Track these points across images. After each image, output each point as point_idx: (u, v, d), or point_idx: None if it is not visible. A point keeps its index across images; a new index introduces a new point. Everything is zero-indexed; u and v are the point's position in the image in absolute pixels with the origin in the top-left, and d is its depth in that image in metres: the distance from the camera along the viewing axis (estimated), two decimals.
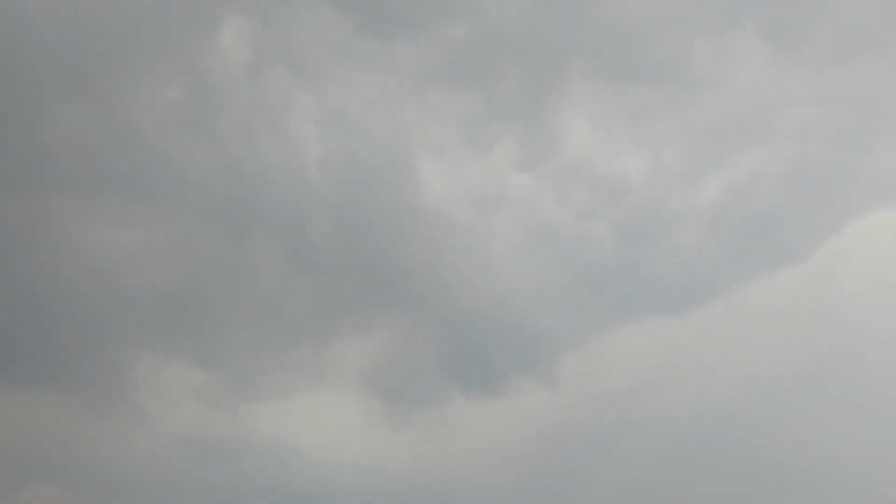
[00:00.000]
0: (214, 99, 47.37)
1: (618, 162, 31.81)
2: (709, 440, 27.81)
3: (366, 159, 49.54)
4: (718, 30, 30.44)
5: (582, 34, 31.22)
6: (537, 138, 37.25)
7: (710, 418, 29.12)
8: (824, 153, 30.02)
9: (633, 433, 32.05)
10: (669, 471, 27.42)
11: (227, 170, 59.65)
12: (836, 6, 29.26)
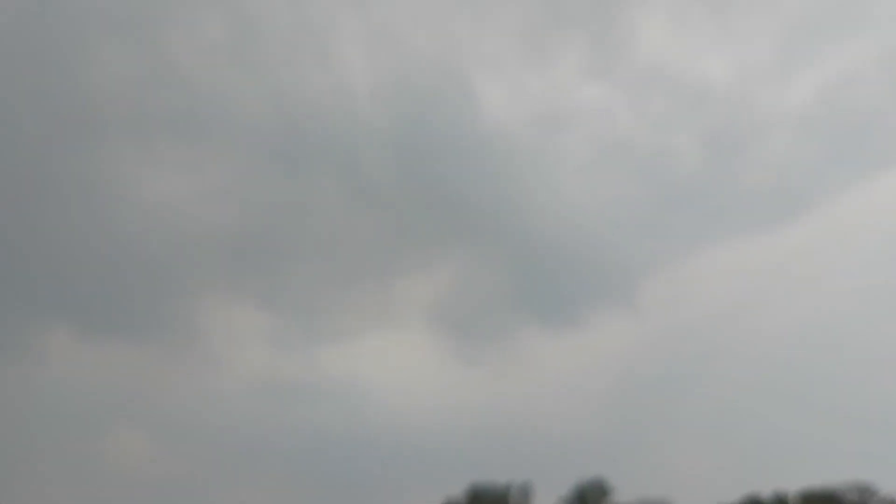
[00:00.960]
0: (256, 30, 45.30)
1: (699, 64, 28.46)
2: (815, 363, 25.06)
3: (418, 83, 46.67)
4: None
5: None
6: (607, 43, 33.63)
7: (817, 337, 26.34)
8: None
9: (724, 360, 29.52)
10: (767, 401, 24.84)
11: (275, 105, 57.23)
12: None
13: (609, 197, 30.70)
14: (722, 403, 27.20)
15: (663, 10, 28.98)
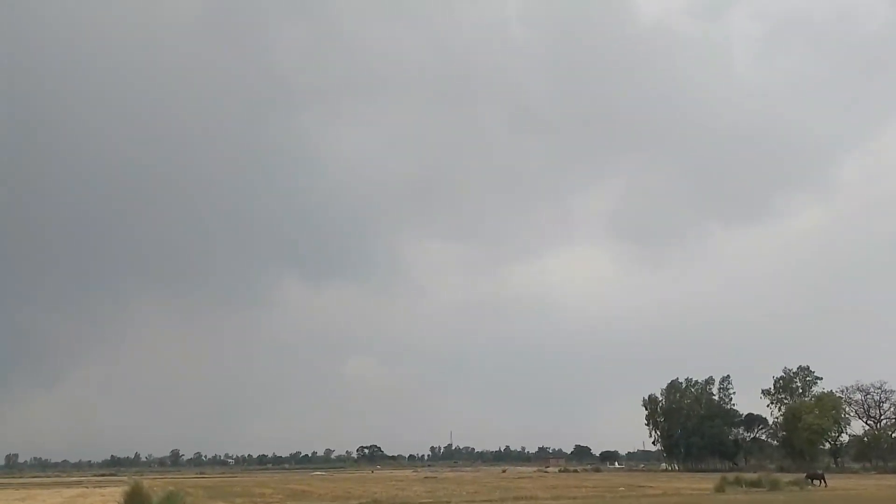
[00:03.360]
0: None
1: None
2: None
3: None
4: None
5: None
6: None
7: None
8: None
9: None
10: None
11: (435, 50, 64.08)
12: None
13: (787, 76, 30.22)
14: None
15: None
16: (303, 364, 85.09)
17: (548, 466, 43.34)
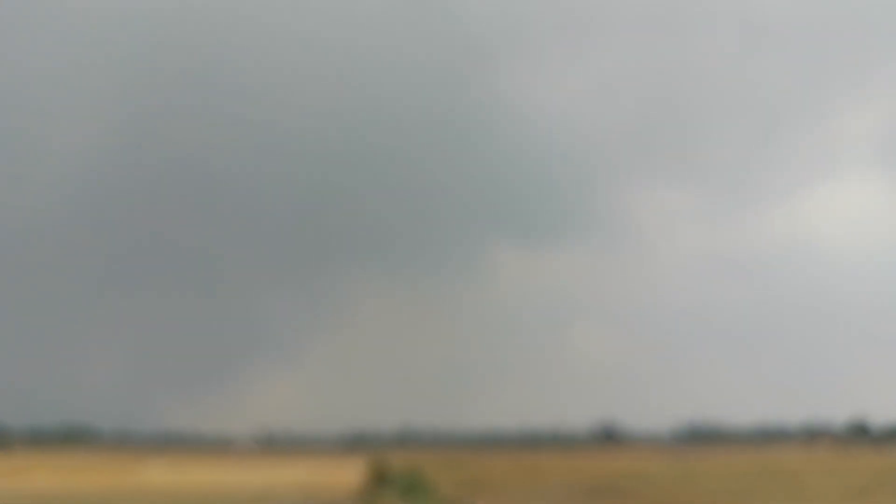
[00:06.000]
0: None
1: None
2: None
3: None
4: None
5: None
6: None
7: None
8: None
9: None
10: None
11: None
12: None
13: None
14: None
15: None
16: (525, 334, 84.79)
17: (818, 445, 37.40)
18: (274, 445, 54.80)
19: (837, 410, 69.70)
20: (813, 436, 50.76)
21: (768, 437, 56.53)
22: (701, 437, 60.16)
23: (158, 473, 13.55)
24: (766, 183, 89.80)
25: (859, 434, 49.02)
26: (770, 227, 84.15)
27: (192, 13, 79.32)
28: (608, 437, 58.70)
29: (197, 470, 15.24)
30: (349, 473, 12.62)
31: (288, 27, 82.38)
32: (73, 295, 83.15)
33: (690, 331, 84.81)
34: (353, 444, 57.11)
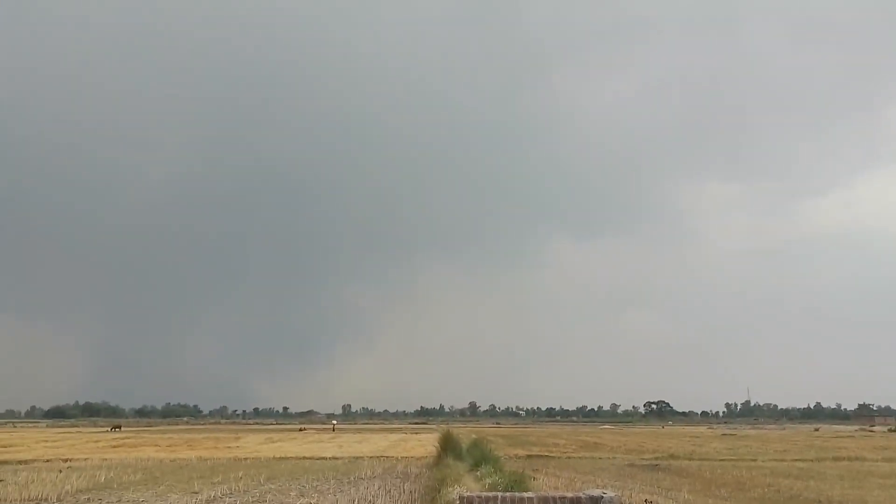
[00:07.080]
0: None
1: None
2: None
3: None
4: None
5: None
6: None
7: None
8: None
9: None
10: None
11: None
12: None
13: None
14: None
15: None
16: (579, 320, 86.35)
17: (873, 425, 37.75)
18: (355, 420, 58.73)
19: (888, 394, 68.99)
20: (868, 416, 50.89)
21: (818, 418, 56.97)
22: (751, 416, 60.97)
23: (254, 446, 14.40)
24: (814, 174, 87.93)
25: None
26: (821, 217, 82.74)
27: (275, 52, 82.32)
28: (660, 415, 60.10)
29: (287, 442, 16.25)
30: (423, 445, 13.04)
31: (361, 37, 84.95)
32: (175, 297, 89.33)
33: (740, 316, 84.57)
34: (423, 417, 60.56)
